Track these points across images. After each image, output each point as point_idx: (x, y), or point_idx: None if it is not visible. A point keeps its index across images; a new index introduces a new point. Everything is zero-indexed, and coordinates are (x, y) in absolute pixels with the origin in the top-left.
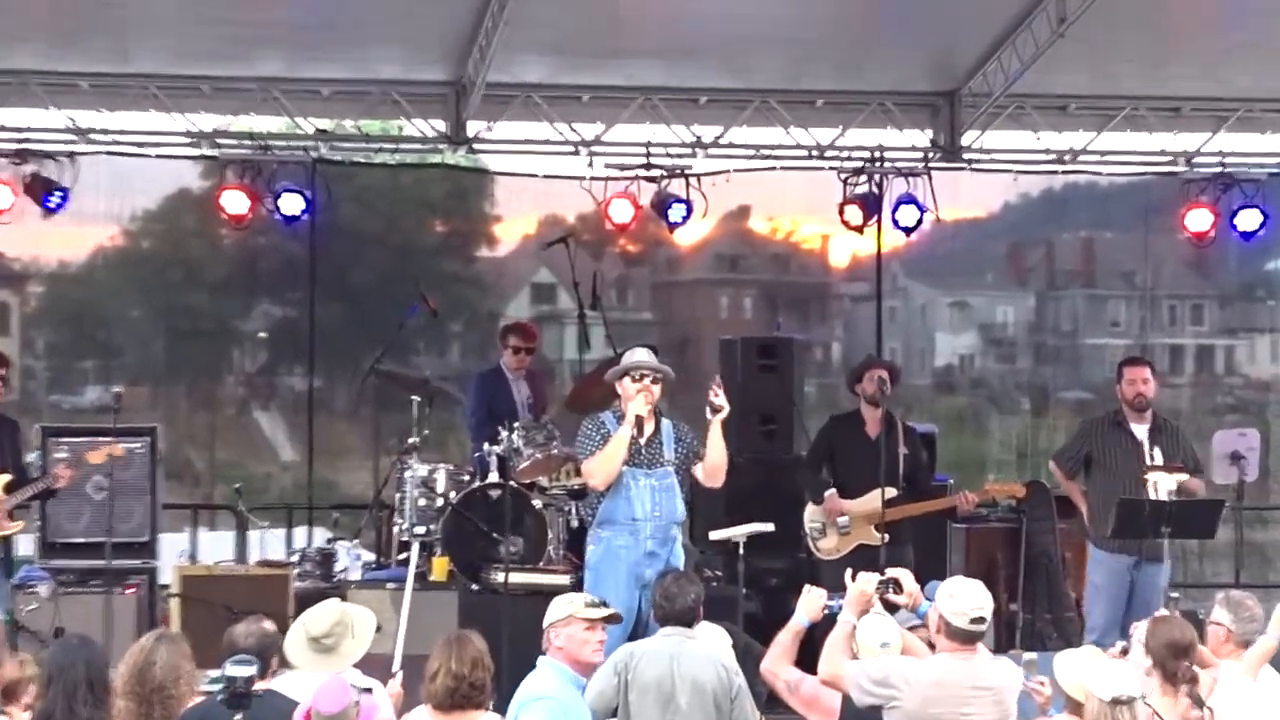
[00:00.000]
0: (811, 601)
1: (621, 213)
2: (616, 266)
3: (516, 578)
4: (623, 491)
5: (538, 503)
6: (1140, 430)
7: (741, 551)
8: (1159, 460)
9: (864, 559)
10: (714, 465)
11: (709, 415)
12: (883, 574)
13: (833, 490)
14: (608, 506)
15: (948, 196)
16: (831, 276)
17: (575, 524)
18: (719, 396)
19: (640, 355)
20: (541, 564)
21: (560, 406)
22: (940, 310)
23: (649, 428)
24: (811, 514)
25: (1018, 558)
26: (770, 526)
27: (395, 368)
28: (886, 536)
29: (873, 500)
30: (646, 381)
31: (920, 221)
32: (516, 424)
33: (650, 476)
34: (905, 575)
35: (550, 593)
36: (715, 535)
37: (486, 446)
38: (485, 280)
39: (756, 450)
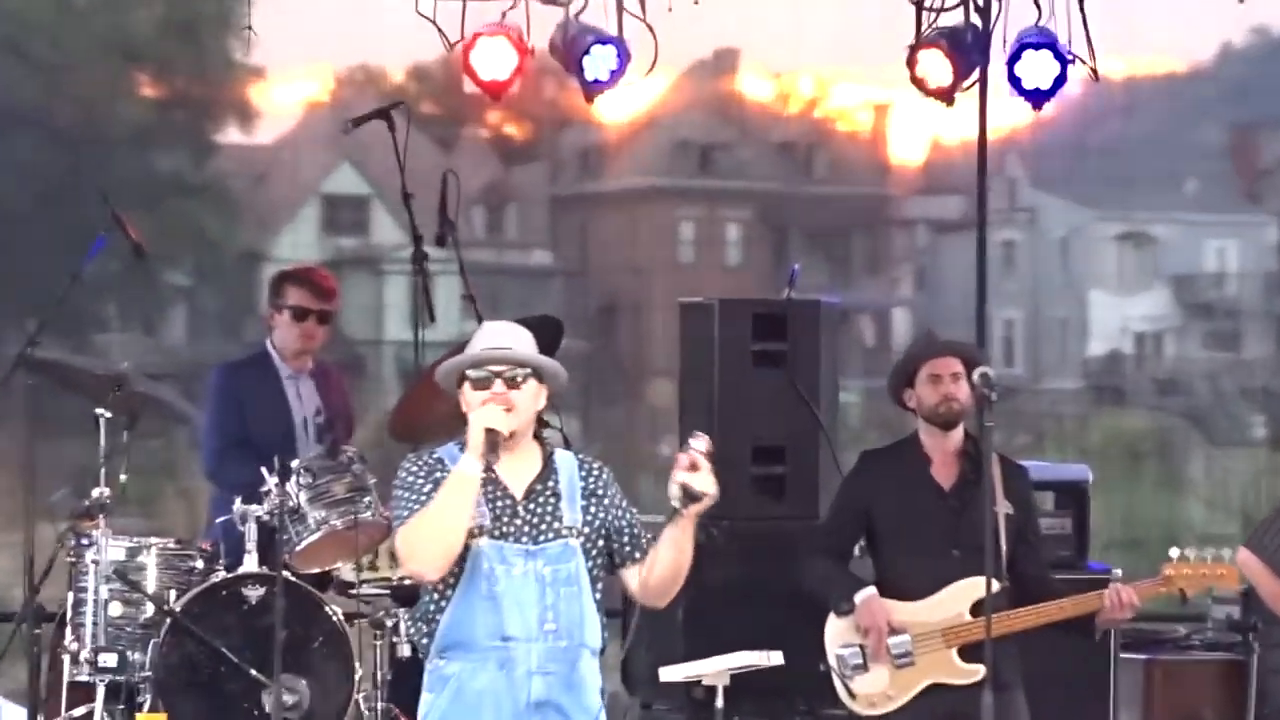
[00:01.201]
0: None
1: (494, 62)
2: (486, 165)
3: None
4: (480, 585)
5: (335, 612)
6: None
7: (721, 704)
8: None
9: (943, 712)
10: (667, 580)
11: (676, 504)
12: None
13: (870, 593)
14: (456, 616)
15: (1112, 35)
16: (891, 185)
17: (407, 651)
18: (699, 474)
19: (489, 336)
20: None
21: (378, 430)
22: (1099, 249)
23: (527, 463)
24: (839, 633)
25: (1241, 716)
26: (775, 657)
27: (63, 356)
28: (981, 670)
29: (951, 603)
30: (498, 388)
31: (1061, 81)
32: (297, 461)
33: (534, 557)
34: None
35: None
36: (669, 674)
37: (239, 505)
38: (234, 192)
39: (748, 513)
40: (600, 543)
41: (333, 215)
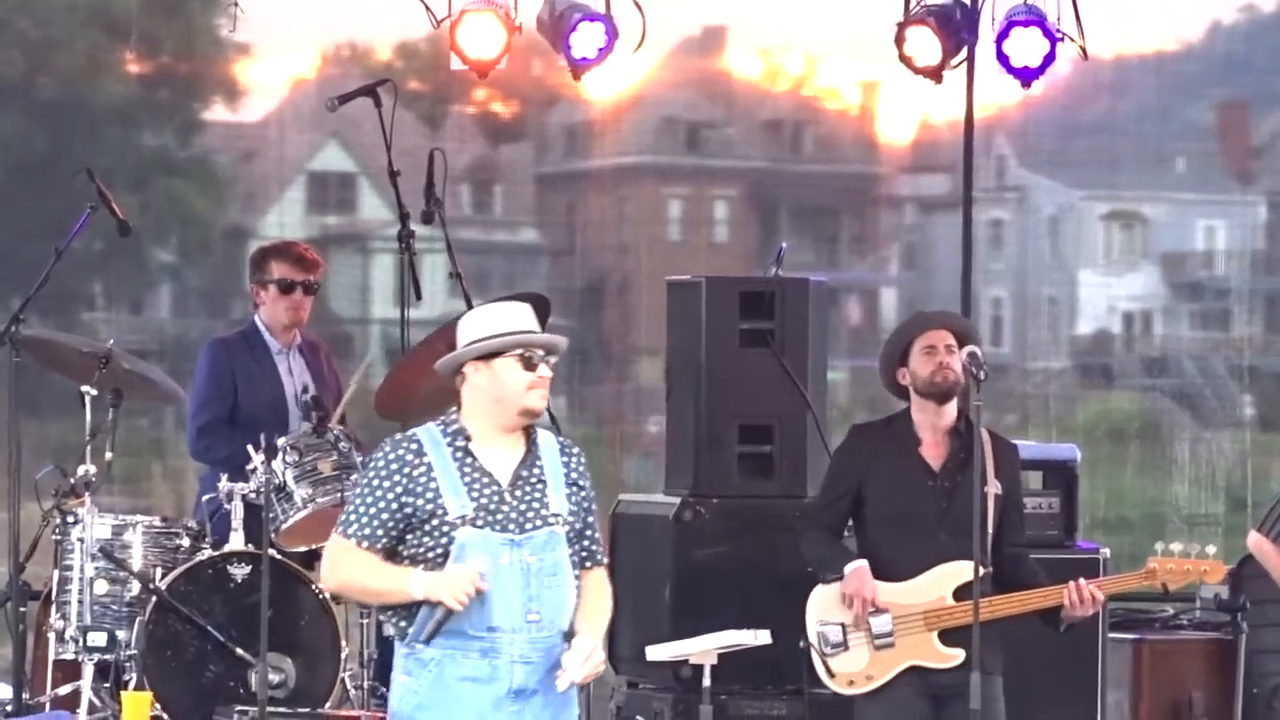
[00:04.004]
0: None
1: (481, 40)
2: (473, 143)
3: None
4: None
5: (321, 590)
6: None
7: (708, 683)
8: None
9: (921, 695)
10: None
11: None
12: None
13: (861, 564)
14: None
15: (1101, 13)
16: (881, 164)
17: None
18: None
19: (512, 316)
20: (330, 706)
21: (365, 408)
22: (1087, 228)
23: (512, 448)
24: (822, 605)
25: (1229, 696)
26: (763, 636)
27: (49, 333)
28: (961, 655)
29: (934, 586)
30: (544, 371)
31: (1050, 59)
32: (284, 439)
33: (519, 546)
34: None
35: None
36: (656, 653)
37: (225, 483)
38: (220, 169)
39: (736, 491)
40: (576, 532)
41: (319, 196)
